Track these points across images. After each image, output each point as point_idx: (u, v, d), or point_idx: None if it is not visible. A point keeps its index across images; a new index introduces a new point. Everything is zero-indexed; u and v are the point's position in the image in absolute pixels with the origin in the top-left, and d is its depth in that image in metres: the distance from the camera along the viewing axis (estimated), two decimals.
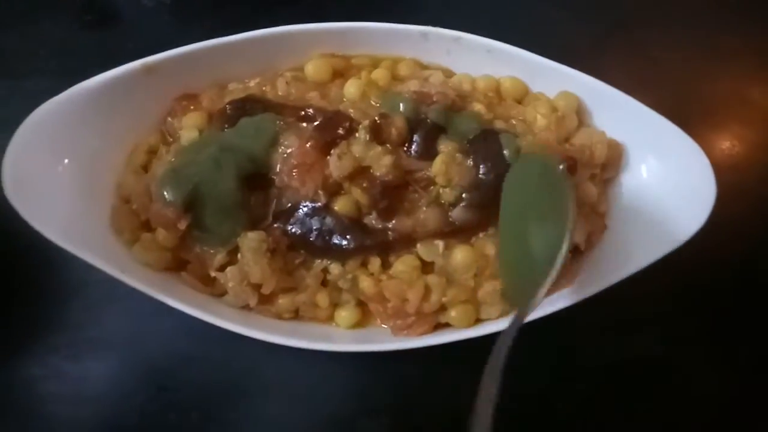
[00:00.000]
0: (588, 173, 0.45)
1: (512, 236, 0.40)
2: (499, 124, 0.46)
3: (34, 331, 0.47)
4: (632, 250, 0.45)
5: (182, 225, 0.42)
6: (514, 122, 0.47)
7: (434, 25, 0.49)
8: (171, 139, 0.47)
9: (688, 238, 0.42)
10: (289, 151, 0.44)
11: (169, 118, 0.48)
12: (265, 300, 0.44)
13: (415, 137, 0.44)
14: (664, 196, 0.46)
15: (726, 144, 0.57)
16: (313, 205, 0.44)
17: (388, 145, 0.44)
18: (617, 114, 0.47)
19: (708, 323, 0.51)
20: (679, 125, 0.45)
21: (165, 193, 0.42)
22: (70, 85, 0.44)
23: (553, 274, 0.36)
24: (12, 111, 0.43)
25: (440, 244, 0.44)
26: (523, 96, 0.49)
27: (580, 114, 0.48)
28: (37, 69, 0.53)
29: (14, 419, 0.46)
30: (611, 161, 0.47)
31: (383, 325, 0.45)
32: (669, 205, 0.45)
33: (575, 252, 0.46)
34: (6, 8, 0.56)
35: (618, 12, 0.60)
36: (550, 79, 0.48)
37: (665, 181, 0.46)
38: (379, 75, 0.48)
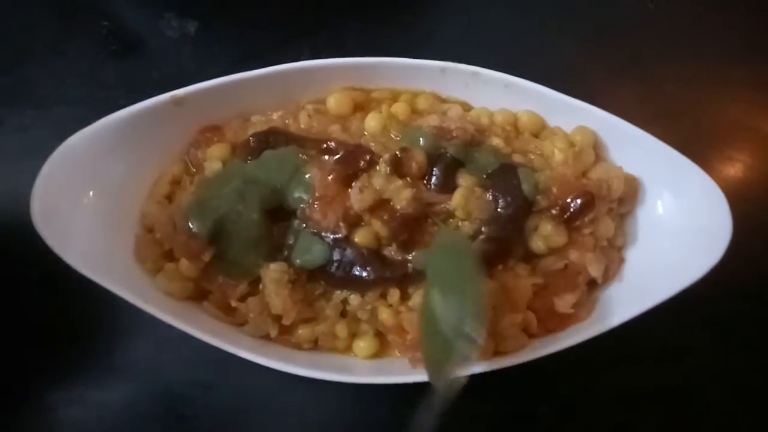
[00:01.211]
0: (606, 207, 0.46)
1: (427, 308, 0.39)
2: (517, 158, 0.47)
3: (58, 357, 0.48)
4: (649, 284, 0.45)
5: (206, 257, 0.43)
6: (531, 156, 0.47)
7: (452, 59, 0.49)
8: (194, 170, 0.48)
9: (704, 273, 0.43)
10: (311, 183, 0.45)
11: (193, 149, 0.48)
12: (285, 330, 0.45)
13: (435, 171, 0.45)
14: (680, 231, 0.46)
15: (739, 175, 0.57)
16: (334, 236, 0.44)
17: (408, 179, 0.45)
18: (633, 149, 0.48)
19: (726, 355, 0.51)
20: (693, 157, 0.46)
21: (190, 224, 0.43)
22: (96, 114, 0.45)
23: (463, 353, 0.36)
24: (40, 140, 0.44)
25: None
26: (540, 130, 0.50)
27: (597, 149, 0.49)
28: (64, 98, 0.55)
29: None
30: (628, 196, 0.47)
31: (402, 357, 0.45)
32: (685, 239, 0.45)
33: (592, 285, 0.47)
34: (33, 39, 0.57)
35: (631, 47, 0.61)
36: (567, 113, 0.49)
37: (681, 216, 0.46)
38: (399, 109, 0.49)
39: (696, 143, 0.54)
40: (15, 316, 0.48)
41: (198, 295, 0.45)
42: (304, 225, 0.44)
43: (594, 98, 0.49)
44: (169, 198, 0.48)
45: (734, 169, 0.58)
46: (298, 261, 0.44)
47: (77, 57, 0.57)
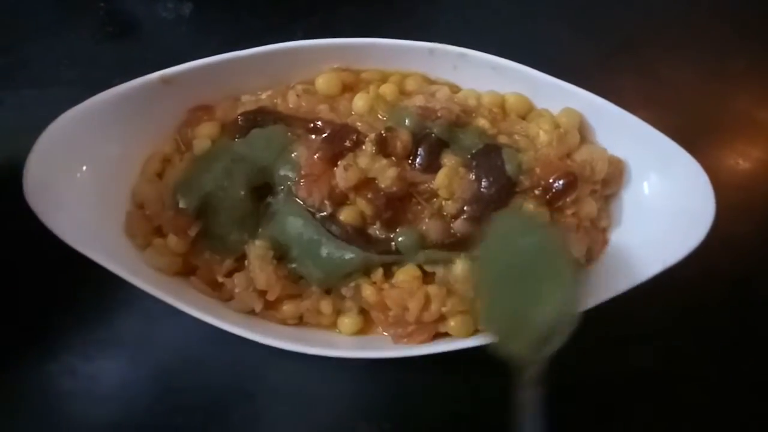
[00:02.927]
0: (588, 189, 0.46)
1: (502, 294, 0.40)
2: (502, 139, 0.47)
3: (50, 330, 0.49)
4: (632, 265, 0.45)
5: (192, 232, 0.44)
6: (517, 137, 0.48)
7: (443, 41, 0.50)
8: (184, 148, 0.49)
9: (686, 254, 0.43)
10: (297, 162, 0.45)
11: (183, 128, 0.49)
12: (271, 306, 0.46)
13: (420, 151, 0.46)
14: (664, 213, 0.46)
15: (731, 162, 0.57)
16: (320, 214, 0.45)
17: (393, 158, 0.45)
18: (619, 131, 0.48)
19: (708, 339, 0.51)
20: (684, 143, 0.46)
21: (177, 200, 0.44)
22: (92, 94, 0.46)
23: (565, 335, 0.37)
24: (37, 118, 0.45)
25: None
26: (527, 112, 0.50)
27: (583, 130, 0.49)
28: (61, 79, 0.56)
29: (29, 412, 0.48)
30: (612, 177, 0.48)
31: (384, 333, 0.46)
32: (669, 221, 0.46)
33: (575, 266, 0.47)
34: (32, 22, 0.58)
35: (625, 32, 0.61)
36: (554, 96, 0.49)
37: (666, 198, 0.47)
38: (387, 90, 0.49)
39: (688, 129, 0.54)
40: (7, 288, 0.49)
41: (186, 270, 0.46)
42: (289, 202, 0.45)
43: (586, 83, 0.49)
44: (160, 175, 0.48)
45: (727, 157, 0.58)
46: (281, 237, 0.45)
47: (74, 38, 0.58)
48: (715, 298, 0.52)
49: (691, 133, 0.51)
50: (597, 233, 0.47)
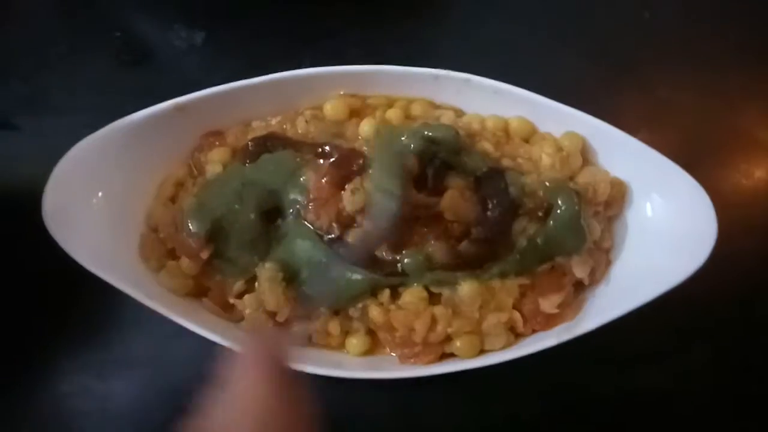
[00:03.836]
0: (592, 210, 0.47)
1: None
2: (506, 162, 0.48)
3: (64, 350, 0.50)
4: (635, 286, 0.46)
5: (204, 255, 0.45)
6: (520, 161, 0.49)
7: (449, 68, 0.51)
8: (197, 173, 0.51)
9: (688, 276, 0.44)
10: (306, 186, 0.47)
11: (196, 153, 0.51)
12: (280, 326, 0.47)
13: (426, 174, 0.47)
14: (666, 234, 0.47)
15: (732, 182, 0.58)
16: (328, 236, 0.46)
17: None
18: (621, 154, 0.49)
19: (713, 358, 0.51)
20: (686, 164, 0.46)
21: (190, 224, 0.45)
22: (108, 121, 0.48)
23: None
24: (55, 145, 0.47)
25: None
26: (530, 135, 0.51)
27: (585, 153, 0.50)
28: (77, 106, 0.57)
29: None
30: (614, 199, 0.48)
31: (392, 354, 0.47)
32: (671, 242, 0.46)
33: (579, 286, 0.48)
34: (50, 51, 0.60)
35: (626, 53, 0.62)
36: (557, 119, 0.50)
37: (668, 220, 0.47)
38: (393, 115, 0.51)
39: (689, 149, 0.56)
40: (24, 310, 0.51)
41: (198, 291, 0.48)
42: (298, 225, 0.46)
43: (588, 105, 0.50)
44: (174, 199, 0.50)
45: (728, 176, 0.58)
46: (290, 260, 0.46)
47: (91, 66, 0.60)
48: (720, 316, 0.52)
49: (693, 152, 0.52)
50: (600, 254, 0.48)
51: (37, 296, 0.51)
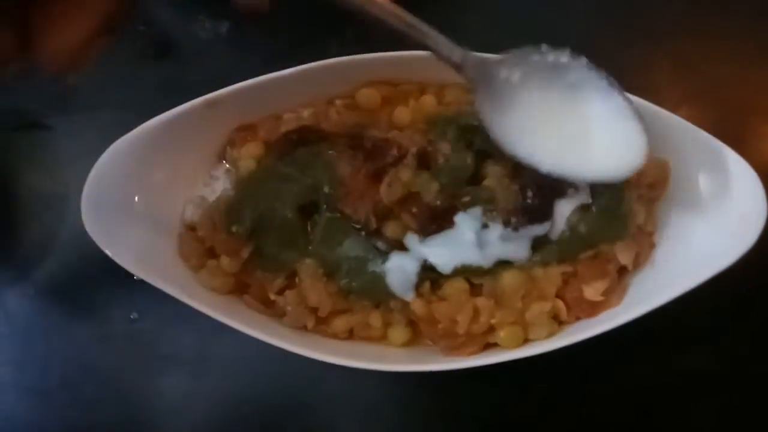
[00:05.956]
0: (635, 194, 0.46)
1: None
2: None
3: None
4: (681, 270, 0.45)
5: (245, 254, 0.45)
6: None
7: (475, 47, 0.49)
8: (231, 169, 0.50)
9: (737, 258, 0.42)
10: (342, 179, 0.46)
11: (229, 148, 0.50)
12: (322, 321, 0.47)
13: None
14: (713, 215, 0.45)
15: None
16: (366, 229, 0.46)
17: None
18: (665, 133, 0.47)
19: (762, 340, 0.50)
20: (728, 139, 0.45)
21: (228, 223, 0.45)
22: (137, 116, 0.47)
23: None
24: (87, 143, 0.47)
25: None
26: None
27: None
28: (107, 103, 0.57)
29: None
30: (658, 181, 0.47)
31: (433, 345, 0.47)
32: (718, 224, 0.45)
33: (623, 271, 0.47)
34: None
35: (663, 26, 0.59)
36: None
37: (714, 200, 0.46)
38: (426, 101, 0.49)
39: (732, 124, 0.54)
40: (65, 312, 0.52)
41: (239, 289, 0.48)
42: (335, 219, 0.46)
43: (624, 81, 0.48)
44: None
45: None
46: (329, 255, 0.45)
47: (117, 63, 0.59)
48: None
49: (735, 127, 0.50)
50: (644, 238, 0.47)
51: (77, 301, 0.52)
